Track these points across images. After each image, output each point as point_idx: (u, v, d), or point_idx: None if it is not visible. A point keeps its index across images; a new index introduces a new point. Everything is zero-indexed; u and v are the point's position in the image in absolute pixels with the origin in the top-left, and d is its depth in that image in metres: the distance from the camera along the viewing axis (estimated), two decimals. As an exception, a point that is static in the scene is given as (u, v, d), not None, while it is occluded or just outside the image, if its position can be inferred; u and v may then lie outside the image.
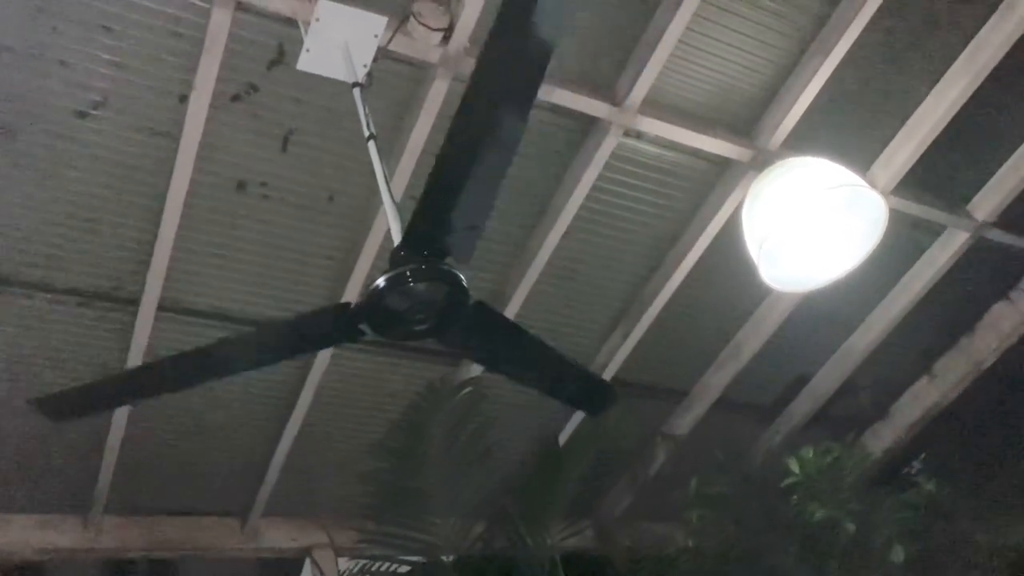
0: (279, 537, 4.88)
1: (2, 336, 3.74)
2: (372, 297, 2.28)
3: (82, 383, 2.84)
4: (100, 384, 2.98)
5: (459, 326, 2.41)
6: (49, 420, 2.83)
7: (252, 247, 3.85)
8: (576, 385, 3.02)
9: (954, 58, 4.22)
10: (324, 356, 4.20)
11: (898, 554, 4.36)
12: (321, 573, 4.70)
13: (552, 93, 3.70)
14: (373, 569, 4.47)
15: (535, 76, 2.08)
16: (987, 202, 4.86)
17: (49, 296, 3.68)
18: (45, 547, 4.38)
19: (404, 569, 4.47)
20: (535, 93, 2.11)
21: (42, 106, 3.20)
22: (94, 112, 3.27)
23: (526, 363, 2.76)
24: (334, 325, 2.50)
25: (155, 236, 3.59)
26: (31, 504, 4.31)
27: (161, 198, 3.50)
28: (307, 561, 4.90)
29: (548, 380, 2.91)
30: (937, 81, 4.28)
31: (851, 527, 4.36)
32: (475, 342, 2.61)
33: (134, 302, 3.78)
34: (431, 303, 2.31)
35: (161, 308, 3.82)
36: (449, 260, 2.31)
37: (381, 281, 2.26)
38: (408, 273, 2.25)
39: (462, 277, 2.30)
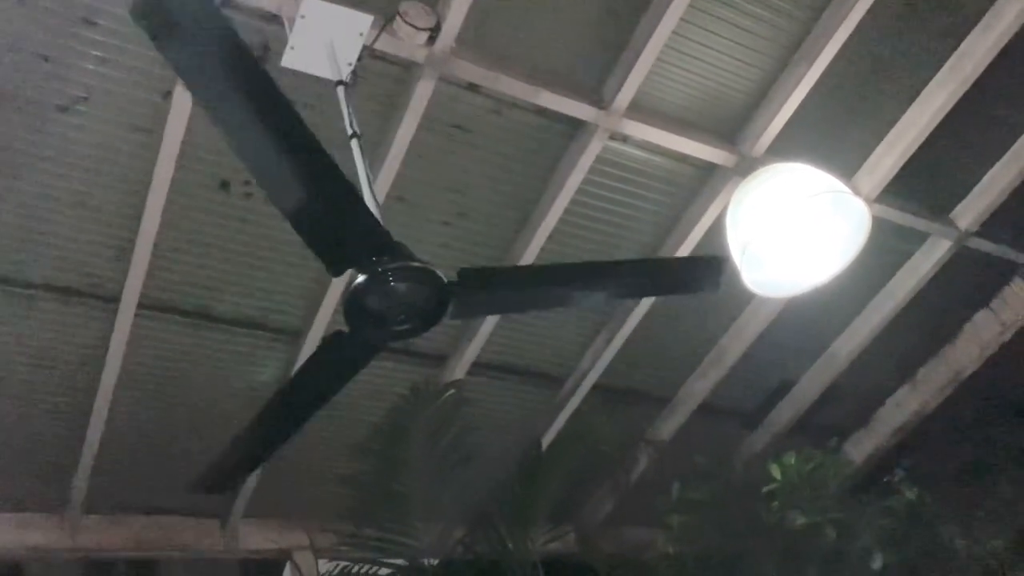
0: (259, 539, 4.84)
1: (-22, 332, 3.70)
2: (352, 298, 2.25)
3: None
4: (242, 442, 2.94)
5: (465, 303, 2.38)
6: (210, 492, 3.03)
7: (235, 246, 3.83)
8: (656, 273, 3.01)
9: (939, 66, 4.25)
10: (306, 355, 4.17)
11: (878, 560, 4.37)
12: (301, 575, 4.67)
13: (538, 95, 3.71)
14: (353, 572, 4.45)
15: None
16: (970, 211, 4.89)
17: (27, 292, 3.64)
18: (22, 546, 4.33)
19: (385, 572, 4.44)
20: None
21: (23, 100, 3.17)
22: (76, 107, 3.24)
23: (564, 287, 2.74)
24: (344, 352, 2.48)
25: (136, 233, 3.56)
26: (8, 503, 4.26)
27: (143, 195, 3.48)
28: (287, 564, 4.87)
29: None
30: (922, 89, 4.31)
31: (832, 533, 4.37)
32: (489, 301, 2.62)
33: (114, 299, 3.75)
34: (411, 302, 2.29)
35: (141, 306, 3.79)
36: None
37: (360, 279, 2.23)
38: (388, 271, 2.23)
39: (439, 273, 2.27)
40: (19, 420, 4.03)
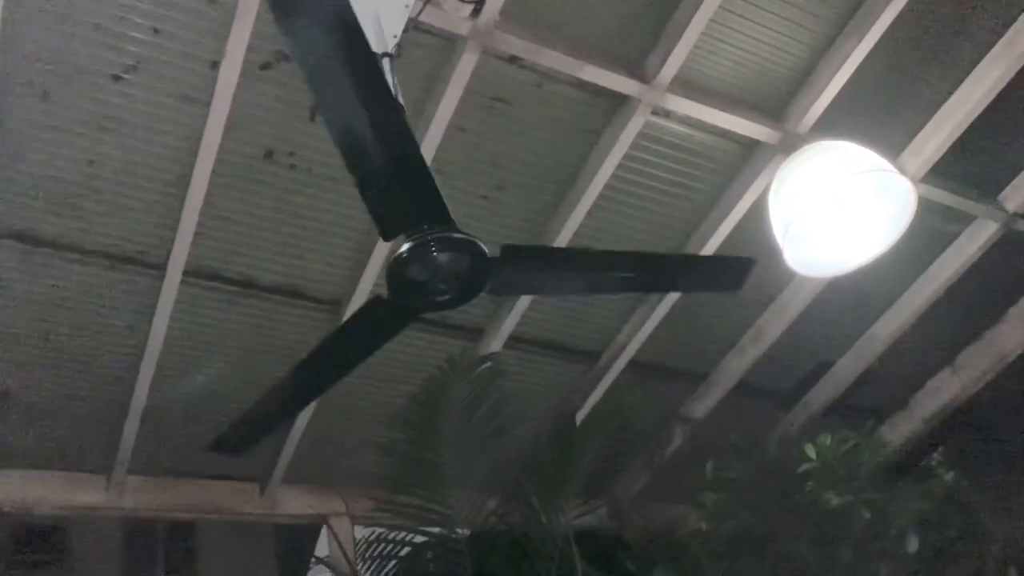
0: (297, 504, 4.94)
1: (29, 296, 3.80)
2: (395, 267, 2.29)
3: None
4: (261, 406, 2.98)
5: (504, 281, 2.45)
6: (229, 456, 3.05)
7: (278, 215, 3.88)
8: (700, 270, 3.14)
9: (991, 45, 4.15)
10: (346, 326, 4.23)
11: (912, 544, 4.35)
12: (337, 541, 4.76)
13: (581, 69, 3.69)
14: (388, 538, 4.52)
15: None
16: (1019, 193, 4.79)
17: (76, 258, 3.73)
18: (67, 504, 4.47)
19: (419, 539, 4.51)
20: None
21: (75, 68, 3.23)
22: (127, 76, 3.29)
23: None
24: (381, 317, 2.53)
25: (183, 202, 3.62)
26: (55, 462, 4.39)
27: (190, 164, 3.53)
28: (324, 529, 4.96)
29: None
30: (975, 66, 4.21)
31: (866, 515, 4.34)
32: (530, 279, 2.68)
33: (160, 267, 3.82)
34: (453, 273, 2.32)
35: (187, 273, 3.86)
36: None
37: (404, 249, 2.27)
38: (431, 241, 2.26)
39: (483, 247, 2.30)
40: (67, 383, 4.14)
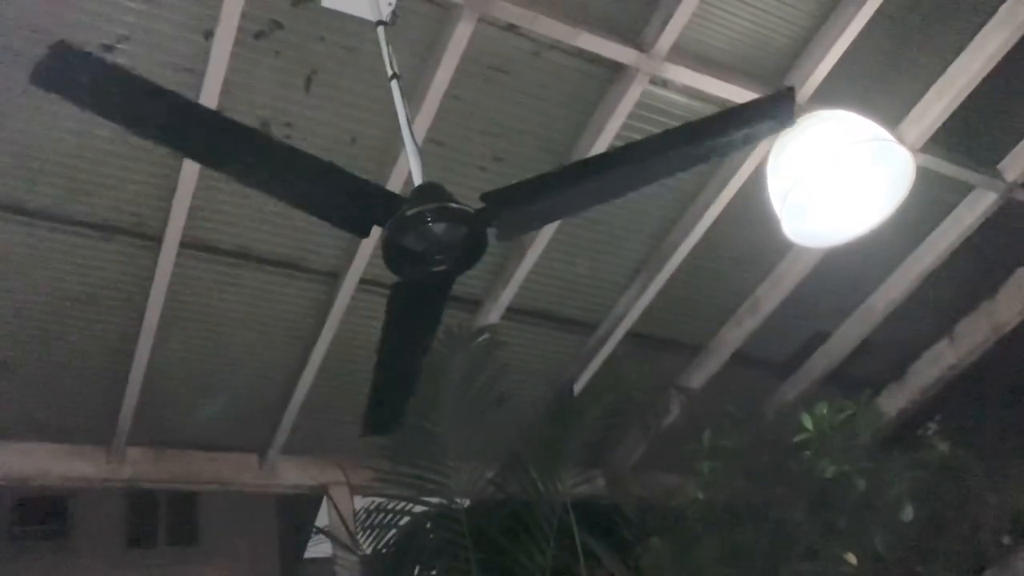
0: (296, 475, 4.98)
1: (25, 267, 3.79)
2: (411, 218, 2.26)
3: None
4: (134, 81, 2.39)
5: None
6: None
7: (274, 187, 3.86)
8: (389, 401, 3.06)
9: (993, 12, 4.11)
10: (344, 297, 4.24)
11: (908, 513, 4.38)
12: (337, 511, 4.79)
13: (578, 37, 3.65)
14: (388, 508, 4.55)
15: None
16: (1018, 163, 4.77)
17: (71, 229, 3.72)
18: (68, 475, 4.50)
19: (418, 509, 4.55)
20: None
21: (67, 38, 3.18)
22: (119, 46, 3.26)
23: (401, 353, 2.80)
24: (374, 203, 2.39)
25: (178, 172, 3.60)
26: (56, 433, 4.41)
27: (184, 134, 3.50)
28: (324, 499, 4.99)
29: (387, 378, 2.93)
30: (973, 37, 4.18)
31: (862, 484, 4.36)
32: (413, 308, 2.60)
33: (156, 238, 3.82)
34: (448, 239, 2.31)
35: (183, 245, 3.85)
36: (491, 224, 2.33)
37: (402, 215, 2.25)
38: (427, 212, 2.25)
39: (462, 206, 2.28)
40: (67, 355, 4.15)
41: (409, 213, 2.24)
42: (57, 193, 3.61)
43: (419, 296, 2.54)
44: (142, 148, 3.56)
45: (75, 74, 2.14)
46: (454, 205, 2.28)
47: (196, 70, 3.36)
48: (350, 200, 2.30)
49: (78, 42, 3.16)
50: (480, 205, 2.32)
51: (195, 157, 2.84)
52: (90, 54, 2.16)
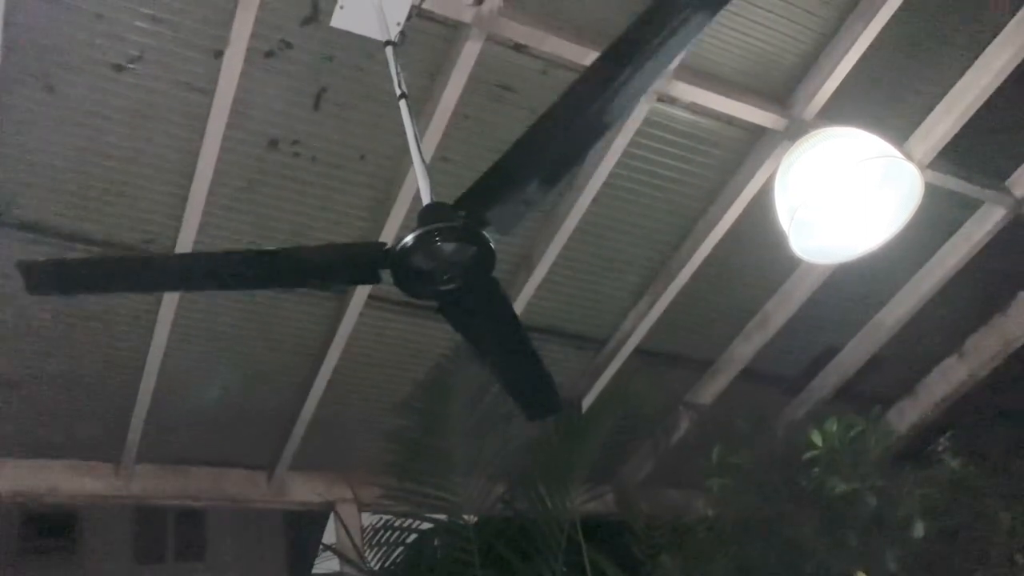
0: (304, 491, 4.98)
1: (39, 285, 3.81)
2: (401, 251, 2.29)
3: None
4: (99, 261, 2.98)
5: (474, 297, 2.43)
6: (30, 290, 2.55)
7: (283, 204, 3.88)
8: (531, 388, 3.05)
9: (1000, 28, 4.11)
10: (352, 313, 4.24)
11: (919, 530, 4.35)
12: (345, 527, 4.79)
13: (586, 56, 3.66)
14: (395, 525, 4.55)
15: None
16: (1027, 178, 4.76)
17: (82, 247, 3.74)
18: (77, 492, 4.51)
19: (426, 526, 4.54)
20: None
21: (79, 58, 3.23)
22: (130, 66, 3.29)
23: (506, 355, 2.81)
24: (363, 261, 2.48)
25: (188, 191, 3.63)
26: (65, 450, 4.42)
27: (194, 153, 3.53)
28: (331, 516, 4.99)
29: (512, 375, 2.96)
30: (983, 50, 4.18)
31: (872, 501, 4.34)
32: (476, 321, 2.62)
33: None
34: (456, 264, 2.32)
35: (193, 262, 3.87)
36: (484, 227, 2.32)
37: (410, 238, 2.27)
38: (436, 232, 2.26)
39: (489, 239, 2.30)
40: (76, 372, 4.17)
41: (399, 248, 2.28)
42: (69, 212, 3.63)
43: (470, 305, 2.55)
44: (152, 166, 3.59)
45: (50, 277, 2.50)
46: (433, 227, 2.28)
47: (207, 89, 3.39)
48: (344, 268, 2.46)
49: (90, 62, 3.23)
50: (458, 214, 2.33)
51: (186, 290, 3.09)
52: (48, 260, 2.74)
